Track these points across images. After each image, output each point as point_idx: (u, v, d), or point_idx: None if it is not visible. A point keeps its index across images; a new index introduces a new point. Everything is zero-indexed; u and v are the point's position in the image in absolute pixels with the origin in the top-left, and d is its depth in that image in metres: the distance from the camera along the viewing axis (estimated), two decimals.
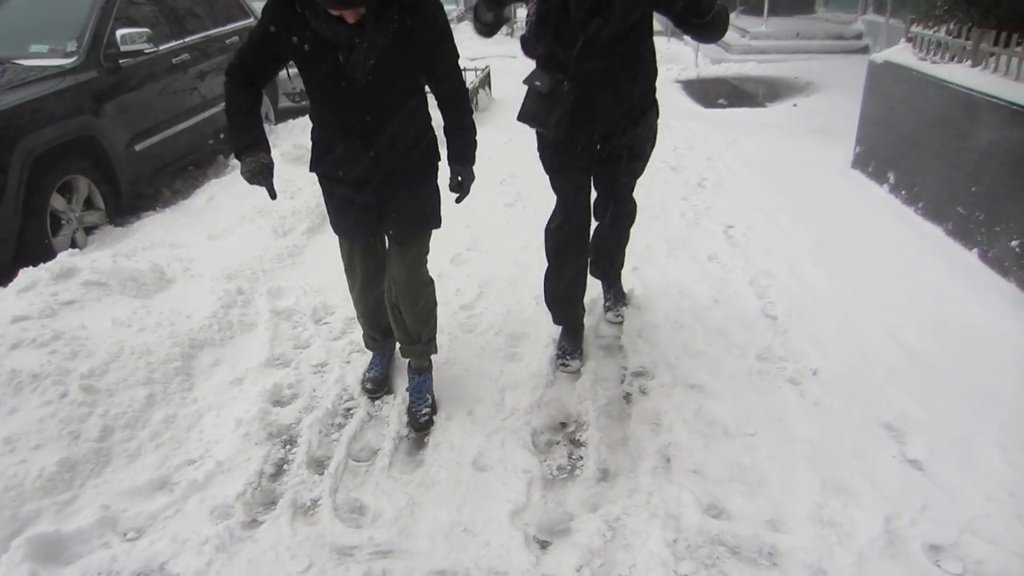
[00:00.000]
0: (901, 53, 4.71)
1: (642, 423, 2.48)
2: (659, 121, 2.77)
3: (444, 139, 2.41)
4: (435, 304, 2.64)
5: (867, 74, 5.04)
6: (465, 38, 17.30)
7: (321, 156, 2.33)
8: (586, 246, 2.92)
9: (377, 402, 2.66)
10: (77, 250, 3.47)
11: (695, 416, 2.48)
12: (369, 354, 2.83)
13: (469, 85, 7.51)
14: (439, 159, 2.44)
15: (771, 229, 4.08)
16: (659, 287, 3.40)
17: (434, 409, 2.58)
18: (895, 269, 3.54)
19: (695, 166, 5.43)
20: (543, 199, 4.83)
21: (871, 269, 3.53)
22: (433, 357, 2.70)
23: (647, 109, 2.64)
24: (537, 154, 2.86)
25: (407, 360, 2.69)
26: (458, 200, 2.45)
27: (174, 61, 5.21)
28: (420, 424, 2.51)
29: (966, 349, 2.85)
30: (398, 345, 2.70)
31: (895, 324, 3.02)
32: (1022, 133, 3.33)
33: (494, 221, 4.42)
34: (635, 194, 3.27)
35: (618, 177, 2.79)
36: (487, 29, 2.47)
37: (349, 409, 2.63)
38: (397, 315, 2.55)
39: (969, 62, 3.99)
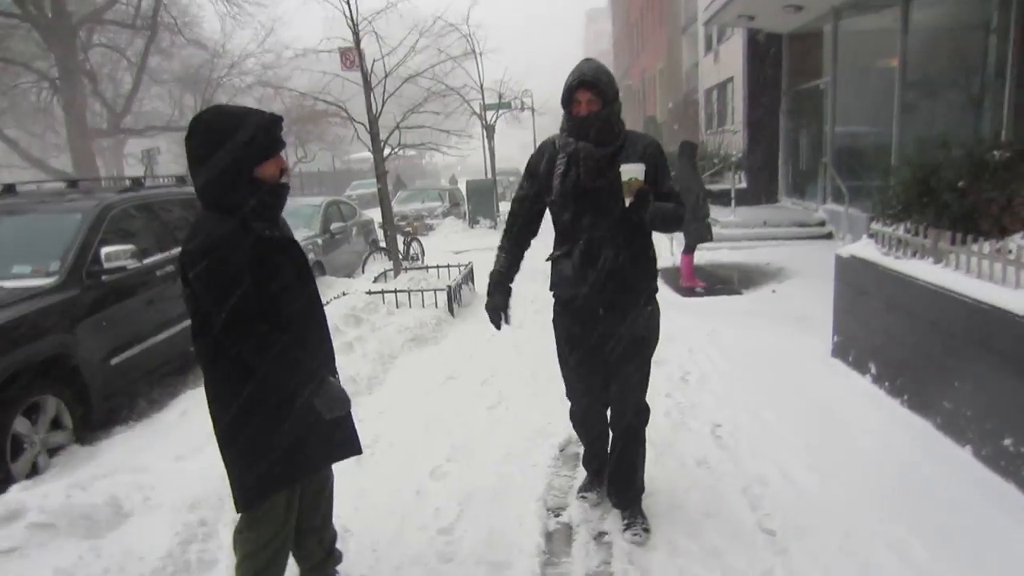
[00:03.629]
0: (865, 248, 4.89)
1: None
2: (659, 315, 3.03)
3: None
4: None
5: (835, 267, 5.22)
6: (450, 231, 18.17)
7: (294, 363, 2.12)
8: (604, 424, 3.14)
9: None
10: (30, 482, 3.28)
11: None
12: None
13: (452, 282, 7.70)
14: None
15: (759, 428, 3.98)
16: (648, 500, 3.22)
17: None
18: (890, 470, 3.40)
19: (678, 359, 5.43)
20: (526, 399, 4.78)
21: (865, 471, 3.39)
22: None
23: (647, 300, 2.91)
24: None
25: None
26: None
27: (158, 274, 5.32)
28: None
29: (978, 564, 2.65)
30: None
31: (899, 537, 2.83)
32: (993, 331, 3.36)
33: (476, 426, 4.29)
34: None
35: (623, 364, 2.88)
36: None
37: None
38: (312, 541, 2.55)
39: (931, 258, 4.13)
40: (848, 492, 3.20)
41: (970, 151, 4.40)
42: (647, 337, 2.92)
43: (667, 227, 2.80)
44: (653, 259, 2.92)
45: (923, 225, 4.30)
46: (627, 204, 2.68)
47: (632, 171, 2.66)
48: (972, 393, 3.53)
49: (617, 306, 2.82)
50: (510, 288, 2.98)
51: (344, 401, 2.23)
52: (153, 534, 2.86)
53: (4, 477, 3.69)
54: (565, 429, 3.87)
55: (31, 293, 4.13)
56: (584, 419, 3.15)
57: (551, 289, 2.98)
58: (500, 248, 3.02)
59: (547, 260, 2.97)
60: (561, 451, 3.83)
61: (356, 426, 2.50)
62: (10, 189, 5.64)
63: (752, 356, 5.41)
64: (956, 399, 3.64)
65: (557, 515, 3.19)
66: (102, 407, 4.56)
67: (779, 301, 7.48)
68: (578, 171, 2.75)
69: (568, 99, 2.72)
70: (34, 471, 3.93)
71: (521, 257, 3.03)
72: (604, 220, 2.74)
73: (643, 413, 3.01)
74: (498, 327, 2.95)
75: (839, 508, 3.08)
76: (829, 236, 11.52)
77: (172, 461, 3.66)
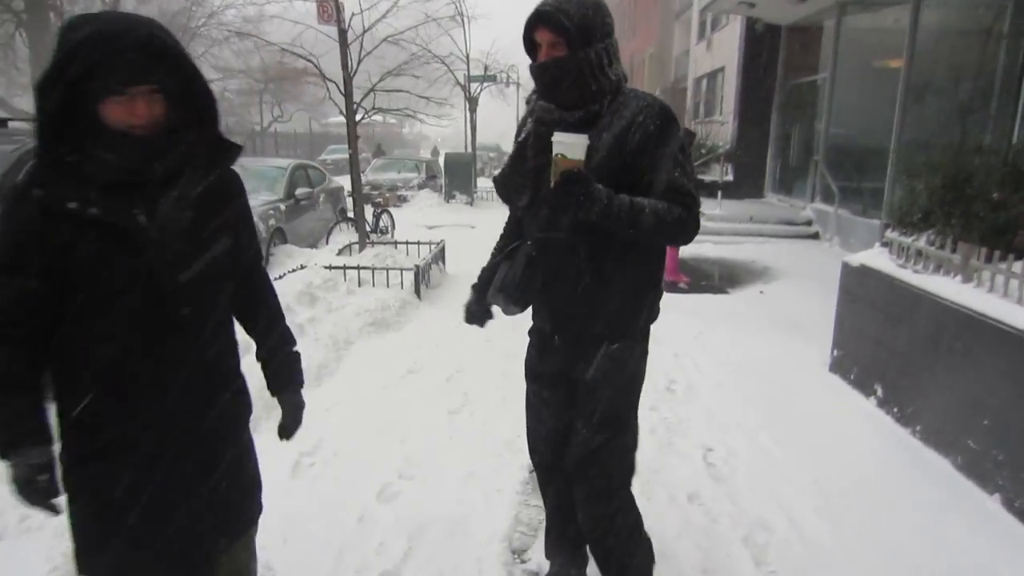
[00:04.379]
0: (878, 258, 4.43)
1: None
2: (640, 364, 2.12)
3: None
4: None
5: (841, 276, 4.76)
6: (425, 205, 17.54)
7: (104, 403, 1.49)
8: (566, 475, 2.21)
9: None
10: None
11: None
12: None
13: (420, 261, 7.13)
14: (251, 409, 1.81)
15: (756, 456, 3.51)
16: None
17: None
18: (909, 520, 2.95)
19: (662, 364, 4.94)
20: (494, 404, 4.25)
21: (880, 520, 2.94)
22: None
23: (618, 339, 2.03)
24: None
25: None
26: (287, 436, 1.86)
27: None
28: None
29: None
30: None
31: None
32: None
33: (435, 434, 3.76)
34: None
35: (579, 420, 2.08)
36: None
37: None
38: None
39: (959, 276, 3.68)
40: (863, 546, 2.74)
41: (1008, 159, 3.95)
42: (605, 391, 2.03)
43: (642, 234, 1.83)
44: (639, 283, 2.02)
45: (950, 238, 3.85)
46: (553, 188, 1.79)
47: (564, 142, 1.76)
48: (1006, 434, 3.09)
49: (572, 339, 2.06)
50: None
51: (31, 496, 1.50)
52: (21, 569, 2.29)
53: None
54: None
55: None
56: (543, 454, 2.27)
57: (488, 298, 2.10)
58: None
59: (493, 256, 2.21)
60: (531, 473, 3.31)
61: (253, 494, 1.80)
62: None
63: (742, 365, 4.95)
64: (985, 439, 3.20)
65: (523, 560, 2.68)
66: None
67: (767, 303, 7.05)
68: (529, 140, 1.98)
69: (528, 41, 1.94)
70: None
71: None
72: (563, 215, 1.89)
73: (611, 498, 2.12)
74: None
75: (855, 567, 2.62)
76: (816, 236, 11.15)
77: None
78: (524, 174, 2.00)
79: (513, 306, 2.01)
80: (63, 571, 2.33)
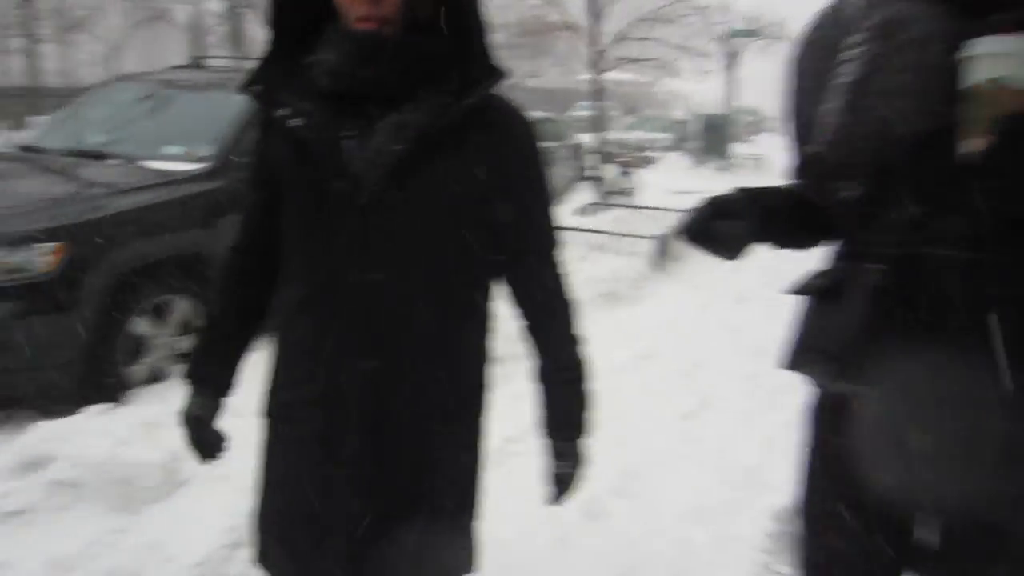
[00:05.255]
0: None
1: None
2: None
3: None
4: None
5: None
6: (674, 167, 16.69)
7: (284, 363, 1.26)
8: None
9: None
10: (100, 408, 2.70)
11: None
12: None
13: (665, 228, 6.44)
14: (481, 418, 1.31)
15: None
16: None
17: None
18: None
19: None
20: (738, 415, 3.50)
21: None
22: None
23: None
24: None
25: None
26: (553, 502, 1.34)
27: None
28: None
29: None
30: None
31: None
32: None
33: (661, 442, 3.17)
34: None
35: None
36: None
37: None
38: None
39: None
40: None
41: None
42: None
43: None
44: None
45: None
46: (978, 154, 0.90)
47: (1009, 55, 0.87)
48: None
49: (992, 450, 0.97)
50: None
51: (202, 447, 1.32)
52: (199, 521, 2.14)
53: (117, 380, 3.30)
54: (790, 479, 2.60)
55: (169, 179, 3.60)
56: None
57: (787, 362, 1.16)
58: None
59: (791, 293, 1.18)
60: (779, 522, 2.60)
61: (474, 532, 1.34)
62: (198, 64, 5.29)
63: None
64: None
65: None
66: None
67: None
68: (887, 75, 0.95)
69: None
70: (155, 378, 3.53)
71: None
72: (960, 214, 0.94)
73: None
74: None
75: None
76: None
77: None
78: (859, 137, 0.99)
79: (842, 381, 1.09)
80: (238, 535, 2.14)
